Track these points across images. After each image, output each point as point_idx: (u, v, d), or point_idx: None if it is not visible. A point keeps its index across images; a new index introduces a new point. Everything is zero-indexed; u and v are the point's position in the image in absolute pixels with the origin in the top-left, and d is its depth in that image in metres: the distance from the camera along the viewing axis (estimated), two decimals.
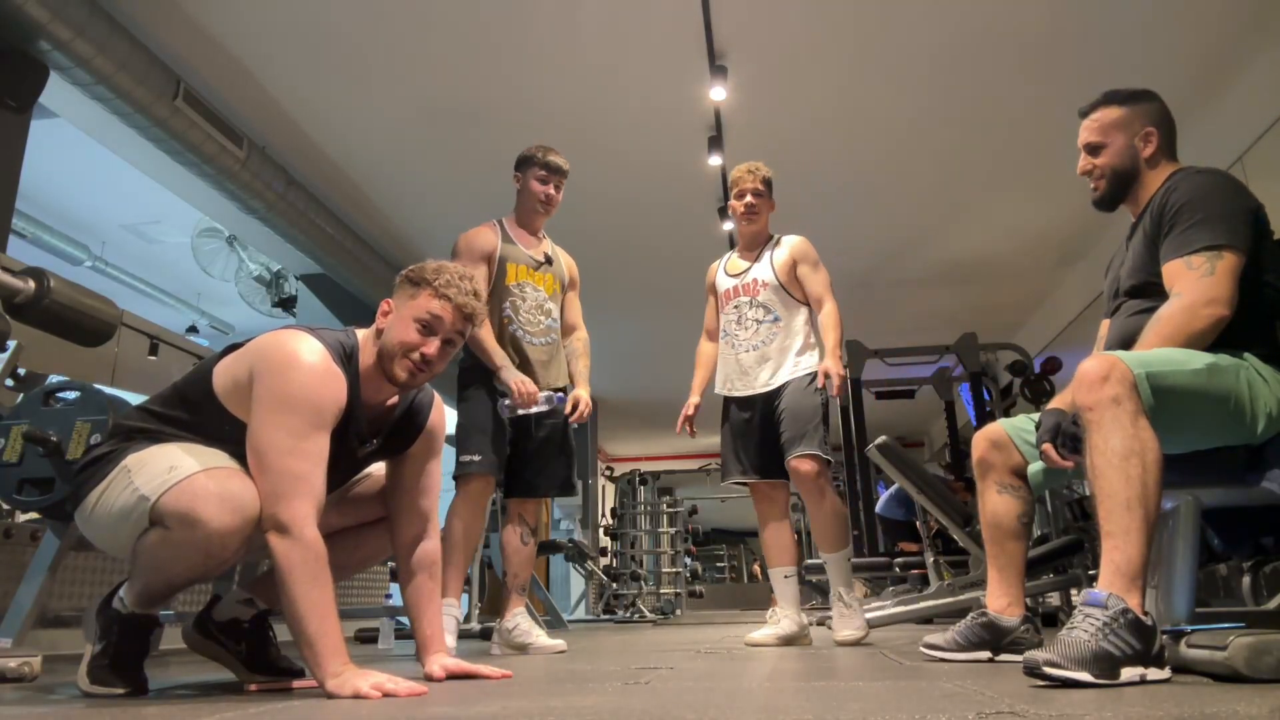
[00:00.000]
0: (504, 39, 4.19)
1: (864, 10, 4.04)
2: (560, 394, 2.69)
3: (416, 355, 1.58)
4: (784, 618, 2.75)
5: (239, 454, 1.48)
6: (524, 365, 2.69)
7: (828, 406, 2.82)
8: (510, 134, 4.95)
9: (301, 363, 1.48)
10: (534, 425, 2.73)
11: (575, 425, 2.81)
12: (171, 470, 1.43)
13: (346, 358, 1.56)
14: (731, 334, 2.94)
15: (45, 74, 3.62)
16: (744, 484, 2.90)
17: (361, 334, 1.64)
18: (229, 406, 1.53)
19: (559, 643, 2.65)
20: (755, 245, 3.02)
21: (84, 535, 1.61)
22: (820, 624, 4.33)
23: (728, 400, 2.94)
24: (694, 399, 3.02)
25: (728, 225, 5.84)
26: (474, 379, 2.69)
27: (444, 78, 4.47)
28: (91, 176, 5.75)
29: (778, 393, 2.82)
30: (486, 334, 2.64)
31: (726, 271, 3.05)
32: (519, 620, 2.67)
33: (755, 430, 2.85)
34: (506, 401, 2.59)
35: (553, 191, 2.86)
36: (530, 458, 2.75)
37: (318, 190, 5.50)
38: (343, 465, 1.61)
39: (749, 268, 2.98)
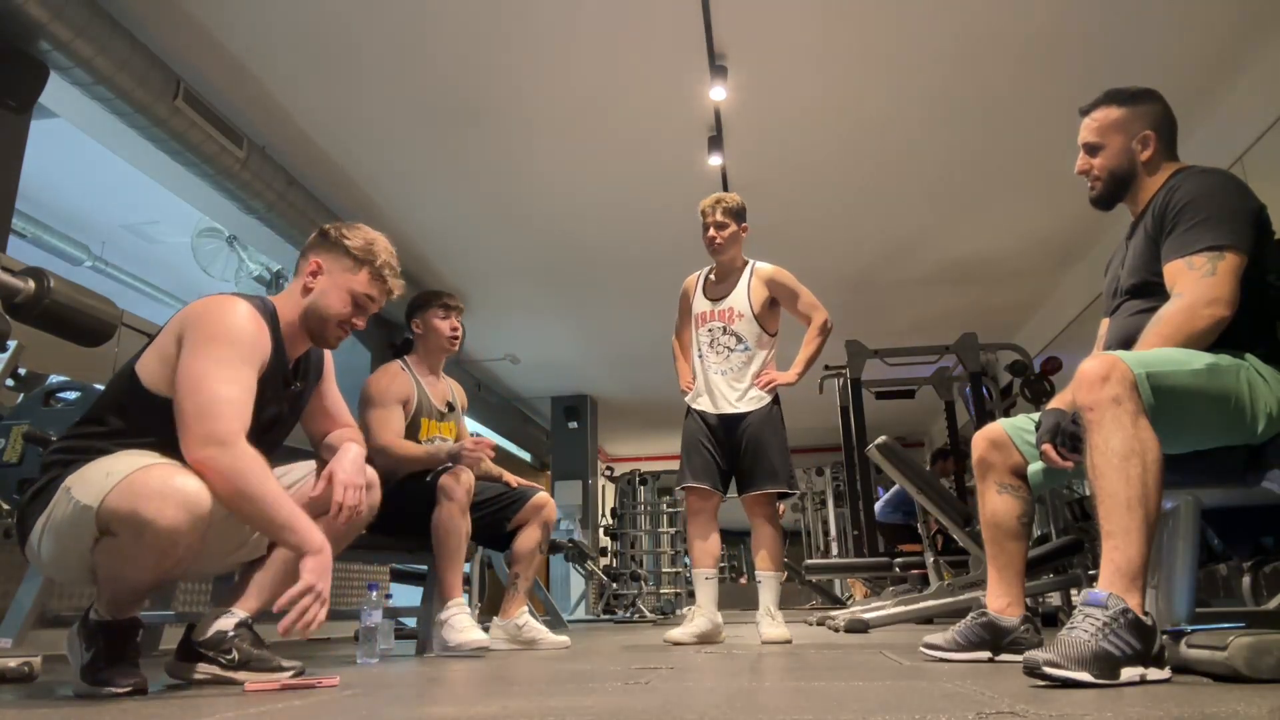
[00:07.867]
0: (504, 39, 4.19)
1: (864, 10, 4.04)
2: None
3: (348, 326, 1.80)
4: (700, 616, 2.90)
5: (176, 455, 1.48)
6: None
7: (784, 435, 2.99)
8: (510, 134, 4.99)
9: (229, 310, 1.59)
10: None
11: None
12: (108, 475, 1.41)
13: (269, 316, 1.69)
14: (705, 354, 3.09)
15: (45, 74, 3.61)
16: (691, 489, 3.00)
17: (277, 299, 1.77)
18: (160, 390, 1.56)
19: (564, 639, 2.84)
20: (730, 273, 3.13)
21: (42, 572, 1.63)
22: (820, 623, 4.34)
23: (690, 411, 3.11)
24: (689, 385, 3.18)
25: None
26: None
27: (444, 78, 4.47)
28: (91, 176, 5.75)
29: (742, 417, 2.97)
30: (411, 449, 2.73)
31: (704, 294, 3.17)
32: (527, 618, 2.86)
33: (711, 444, 3.01)
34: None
35: (457, 323, 2.98)
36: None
37: (317, 190, 5.50)
38: (277, 426, 1.77)
39: (725, 296, 3.10)
